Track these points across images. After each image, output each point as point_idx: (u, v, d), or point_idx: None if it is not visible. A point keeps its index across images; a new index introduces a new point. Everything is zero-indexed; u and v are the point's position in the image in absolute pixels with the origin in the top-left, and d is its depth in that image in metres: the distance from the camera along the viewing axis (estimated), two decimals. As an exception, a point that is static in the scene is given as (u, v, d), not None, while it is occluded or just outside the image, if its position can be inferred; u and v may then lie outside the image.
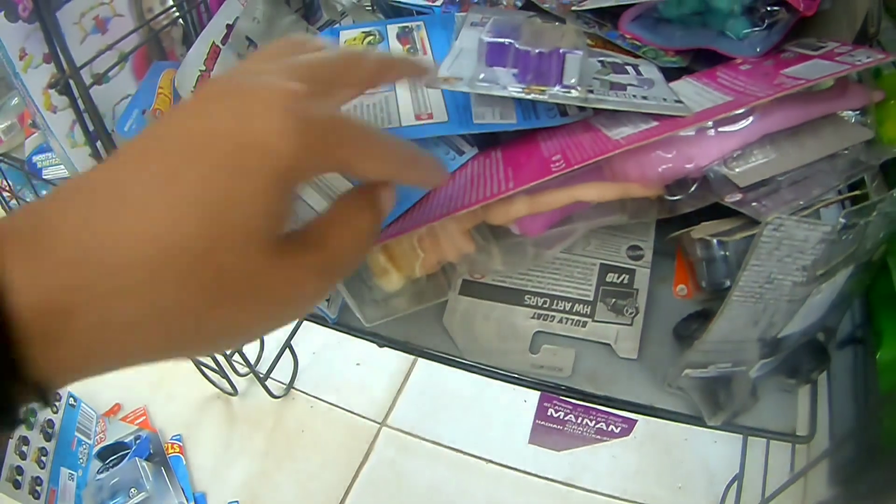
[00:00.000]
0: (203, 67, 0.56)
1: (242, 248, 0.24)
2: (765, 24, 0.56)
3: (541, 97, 0.45)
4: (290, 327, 1.09)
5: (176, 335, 0.24)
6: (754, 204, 0.47)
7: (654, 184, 0.45)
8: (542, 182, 0.42)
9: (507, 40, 0.46)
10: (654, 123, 0.44)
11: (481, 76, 0.46)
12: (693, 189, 0.46)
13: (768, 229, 0.38)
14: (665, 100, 0.48)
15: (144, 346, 0.24)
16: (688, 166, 0.45)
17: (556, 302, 0.57)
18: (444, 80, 0.46)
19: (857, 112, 0.51)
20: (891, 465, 0.51)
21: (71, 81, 0.53)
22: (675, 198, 0.46)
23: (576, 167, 0.42)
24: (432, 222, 0.45)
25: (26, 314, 0.20)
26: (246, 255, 0.24)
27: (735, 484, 0.88)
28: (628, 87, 0.49)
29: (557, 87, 0.46)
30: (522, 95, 0.45)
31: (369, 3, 0.77)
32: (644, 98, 0.47)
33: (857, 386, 0.58)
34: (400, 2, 0.67)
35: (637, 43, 0.58)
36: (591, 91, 0.46)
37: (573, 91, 0.45)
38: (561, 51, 0.45)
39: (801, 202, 0.47)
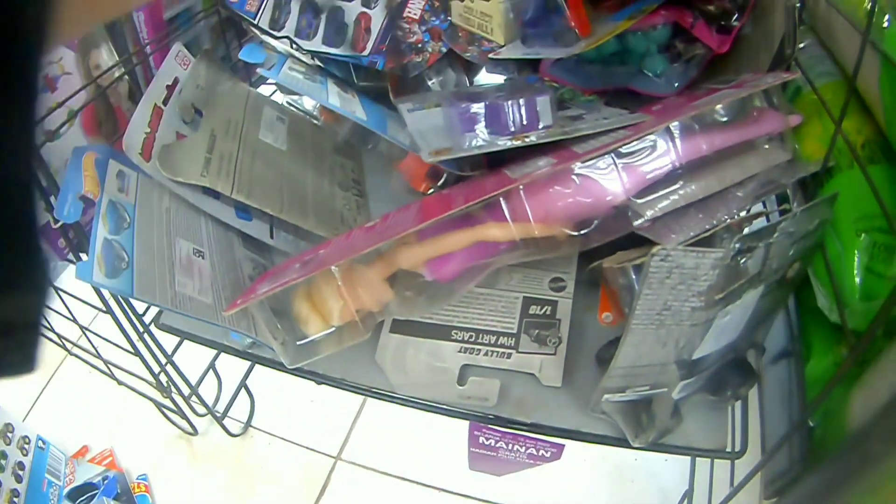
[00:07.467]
0: (147, 129, 0.57)
1: None
2: (681, 60, 0.58)
3: (527, 142, 0.49)
4: (244, 367, 1.11)
5: None
6: (662, 228, 0.47)
7: (558, 222, 0.47)
8: (441, 219, 0.44)
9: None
10: (554, 161, 0.46)
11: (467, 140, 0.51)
12: (597, 223, 0.47)
13: (655, 260, 0.38)
14: (620, 115, 0.50)
15: None
16: (588, 201, 0.46)
17: (481, 336, 0.58)
18: (437, 153, 0.50)
19: (775, 136, 0.52)
20: (822, 473, 0.51)
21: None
22: (580, 233, 0.47)
23: (472, 203, 0.44)
24: (339, 261, 0.46)
25: None
26: None
27: (685, 501, 0.89)
28: (584, 116, 0.52)
29: (538, 130, 0.50)
30: (514, 144, 0.50)
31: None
32: (605, 118, 0.50)
33: (790, 398, 0.59)
34: (327, 55, 0.67)
35: (555, 85, 0.60)
36: (563, 126, 0.50)
37: (552, 129, 0.50)
38: (525, 99, 0.50)
39: (709, 224, 0.48)
